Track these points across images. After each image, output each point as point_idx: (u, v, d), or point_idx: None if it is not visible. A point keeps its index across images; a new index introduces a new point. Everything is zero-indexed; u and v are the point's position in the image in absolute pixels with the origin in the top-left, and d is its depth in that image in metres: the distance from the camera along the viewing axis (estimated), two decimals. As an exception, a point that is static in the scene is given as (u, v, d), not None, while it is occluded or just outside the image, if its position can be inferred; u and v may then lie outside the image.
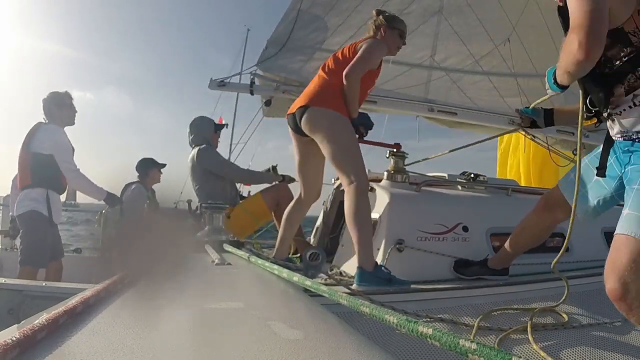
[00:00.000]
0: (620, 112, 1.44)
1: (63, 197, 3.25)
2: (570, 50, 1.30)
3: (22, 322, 0.55)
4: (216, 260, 1.31)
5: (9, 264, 3.35)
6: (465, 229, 2.27)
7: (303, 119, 2.13)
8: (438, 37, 3.56)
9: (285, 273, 1.04)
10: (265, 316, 0.69)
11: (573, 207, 1.53)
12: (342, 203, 3.28)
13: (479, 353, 0.47)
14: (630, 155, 1.43)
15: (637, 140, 1.41)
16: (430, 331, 0.53)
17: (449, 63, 3.67)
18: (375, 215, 2.35)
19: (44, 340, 0.49)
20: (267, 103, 3.60)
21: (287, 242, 2.44)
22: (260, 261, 1.28)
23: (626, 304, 1.13)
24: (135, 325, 0.60)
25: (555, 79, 1.58)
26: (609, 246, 2.46)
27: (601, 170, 1.54)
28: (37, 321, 0.50)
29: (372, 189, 2.48)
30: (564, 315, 1.81)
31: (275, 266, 1.14)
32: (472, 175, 2.69)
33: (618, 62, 1.40)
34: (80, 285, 1.95)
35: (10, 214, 3.72)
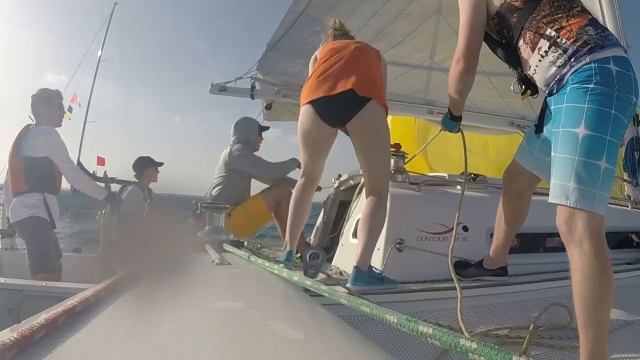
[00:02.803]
0: (535, 70, 1.54)
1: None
2: (453, 70, 1.74)
3: (22, 322, 0.55)
4: (216, 260, 1.31)
5: (9, 264, 3.35)
6: (465, 228, 2.27)
7: (364, 110, 1.96)
8: (437, 38, 3.56)
9: (285, 273, 1.04)
10: (265, 316, 0.69)
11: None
12: (342, 203, 3.29)
13: (480, 352, 0.46)
14: (554, 111, 1.50)
15: (554, 91, 1.49)
16: (430, 330, 0.53)
17: (449, 63, 3.65)
18: (375, 215, 2.35)
19: (42, 340, 0.49)
20: (268, 107, 3.60)
21: (299, 231, 2.24)
22: (260, 261, 1.28)
23: (568, 234, 1.38)
24: (134, 325, 0.59)
25: (449, 115, 1.95)
26: (610, 246, 2.46)
27: (538, 127, 1.68)
28: (35, 321, 0.50)
29: (372, 189, 2.48)
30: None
31: (276, 266, 1.14)
32: (473, 176, 2.69)
33: (512, 23, 1.58)
34: (80, 285, 1.95)
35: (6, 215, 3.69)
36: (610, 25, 3.37)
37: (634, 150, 3.22)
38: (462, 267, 2.15)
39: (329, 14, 3.45)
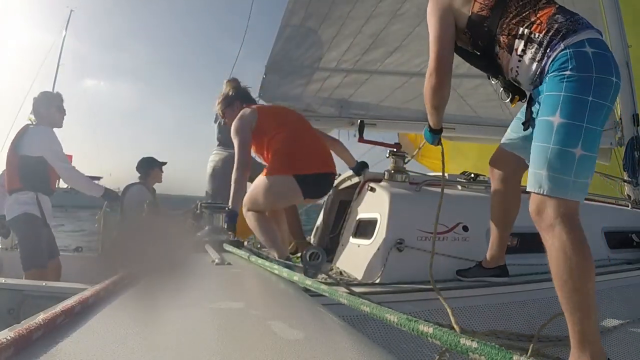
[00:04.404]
0: (517, 71, 1.53)
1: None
2: (427, 86, 1.73)
3: (22, 322, 0.55)
4: (216, 260, 1.31)
5: (9, 264, 3.35)
6: (465, 228, 2.26)
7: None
8: (435, 40, 3.52)
9: (285, 273, 1.04)
10: (265, 316, 0.68)
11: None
12: (342, 203, 3.29)
13: (480, 351, 0.46)
14: (537, 101, 1.50)
15: (538, 84, 1.48)
16: (430, 330, 0.53)
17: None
18: (375, 214, 2.35)
19: (40, 340, 0.49)
20: None
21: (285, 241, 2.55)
22: (260, 261, 1.28)
23: (539, 220, 1.41)
24: (134, 326, 0.59)
25: (429, 129, 1.90)
26: (609, 246, 2.45)
27: (526, 124, 1.67)
28: (33, 321, 0.50)
29: (373, 189, 2.48)
30: None
31: (276, 266, 1.14)
32: (472, 175, 2.69)
33: (483, 33, 1.58)
34: (80, 285, 1.95)
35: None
36: (611, 26, 3.36)
37: (633, 150, 3.22)
38: (464, 269, 2.14)
39: (324, 23, 3.42)
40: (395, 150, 2.62)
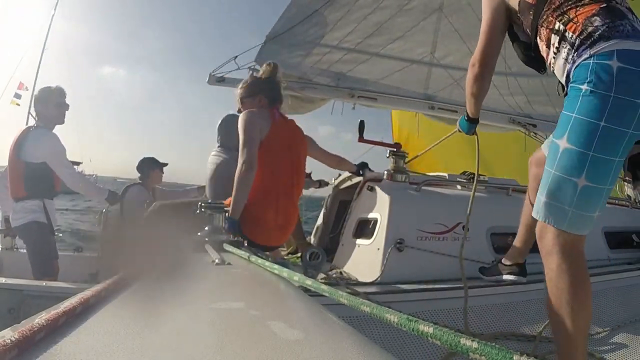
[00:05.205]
0: (553, 67, 1.42)
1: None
2: (469, 75, 1.72)
3: (22, 322, 0.55)
4: (216, 260, 1.31)
5: (9, 264, 3.35)
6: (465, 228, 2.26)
7: None
8: (438, 35, 3.56)
9: (285, 273, 1.04)
10: (265, 316, 0.69)
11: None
12: (342, 202, 3.29)
13: (481, 352, 0.46)
14: None
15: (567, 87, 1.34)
16: (431, 330, 0.53)
17: (449, 60, 3.66)
18: (375, 214, 2.35)
19: (43, 341, 0.49)
20: None
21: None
22: (260, 261, 1.28)
23: (540, 245, 1.34)
24: (135, 326, 0.59)
25: (466, 117, 1.93)
26: (610, 246, 2.44)
27: None
28: (36, 321, 0.50)
29: (372, 189, 2.48)
30: None
31: (276, 266, 1.14)
32: (472, 175, 2.69)
33: (529, 21, 1.47)
34: (80, 285, 1.96)
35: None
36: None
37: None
38: (486, 268, 2.14)
39: (330, 7, 3.43)
40: (395, 150, 2.62)
